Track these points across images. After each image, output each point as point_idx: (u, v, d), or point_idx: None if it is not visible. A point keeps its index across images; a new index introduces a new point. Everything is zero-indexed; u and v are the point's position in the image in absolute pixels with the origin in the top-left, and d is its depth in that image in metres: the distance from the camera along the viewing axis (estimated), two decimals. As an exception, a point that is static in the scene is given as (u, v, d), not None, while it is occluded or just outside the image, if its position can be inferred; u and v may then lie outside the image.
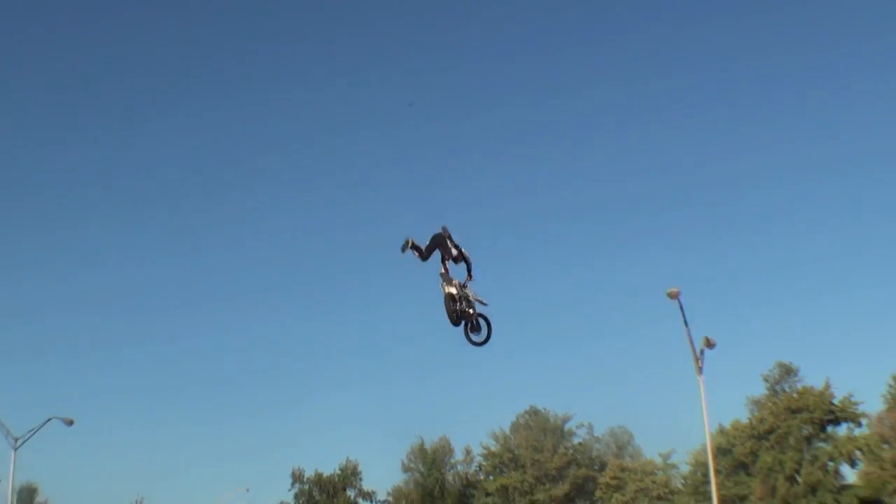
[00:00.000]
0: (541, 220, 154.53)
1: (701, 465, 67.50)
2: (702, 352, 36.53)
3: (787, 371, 76.25)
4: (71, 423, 49.84)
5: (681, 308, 36.64)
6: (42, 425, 48.41)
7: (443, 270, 15.40)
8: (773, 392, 75.56)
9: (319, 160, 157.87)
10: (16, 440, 47.97)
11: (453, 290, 15.31)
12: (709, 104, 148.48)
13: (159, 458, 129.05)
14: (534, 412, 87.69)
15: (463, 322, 15.55)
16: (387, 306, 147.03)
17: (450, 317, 15.27)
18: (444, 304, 15.31)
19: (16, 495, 59.41)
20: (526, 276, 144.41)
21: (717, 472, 55.97)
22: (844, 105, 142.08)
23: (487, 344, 16.20)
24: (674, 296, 36.18)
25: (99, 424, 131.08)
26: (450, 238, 15.03)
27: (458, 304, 15.41)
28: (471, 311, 15.38)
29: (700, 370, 36.71)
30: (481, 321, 15.68)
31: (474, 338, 15.69)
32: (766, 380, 77.37)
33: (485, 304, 15.72)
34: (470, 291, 15.46)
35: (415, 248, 15.22)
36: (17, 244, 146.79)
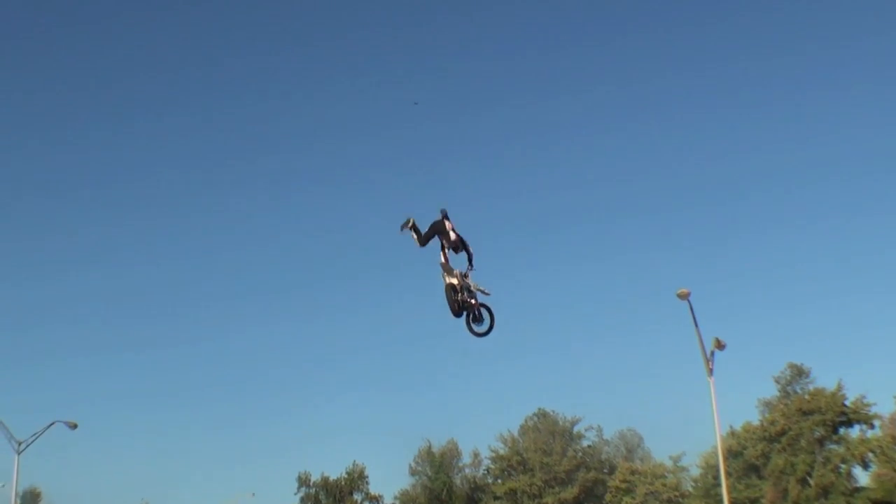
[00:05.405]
0: (548, 220, 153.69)
1: (712, 468, 66.80)
2: (712, 353, 37.21)
3: (799, 372, 75.78)
4: (75, 426, 50.31)
5: (691, 309, 37.53)
6: (45, 429, 48.74)
7: (442, 260, 15.37)
8: (785, 394, 75.11)
9: (320, 160, 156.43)
10: (19, 444, 48.14)
11: (454, 281, 15.24)
12: (716, 102, 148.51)
13: (164, 462, 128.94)
14: (542, 414, 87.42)
15: (465, 313, 15.54)
16: (391, 308, 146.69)
17: (451, 307, 15.22)
18: (445, 294, 15.22)
19: (19, 500, 58.91)
20: (534, 276, 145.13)
21: (728, 474, 55.81)
22: (860, 102, 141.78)
23: (490, 334, 16.14)
24: (683, 296, 36.94)
25: (103, 428, 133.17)
26: (451, 227, 14.95)
27: (459, 294, 15.32)
28: (472, 301, 15.40)
29: (710, 372, 37.49)
30: (483, 311, 15.75)
31: (476, 328, 15.77)
32: (777, 381, 77.05)
33: (487, 294, 15.61)
34: (471, 281, 15.45)
35: (414, 230, 15.22)
36: (18, 247, 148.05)
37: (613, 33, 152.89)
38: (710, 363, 37.53)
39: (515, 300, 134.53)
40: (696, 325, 37.94)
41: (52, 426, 49.42)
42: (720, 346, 37.58)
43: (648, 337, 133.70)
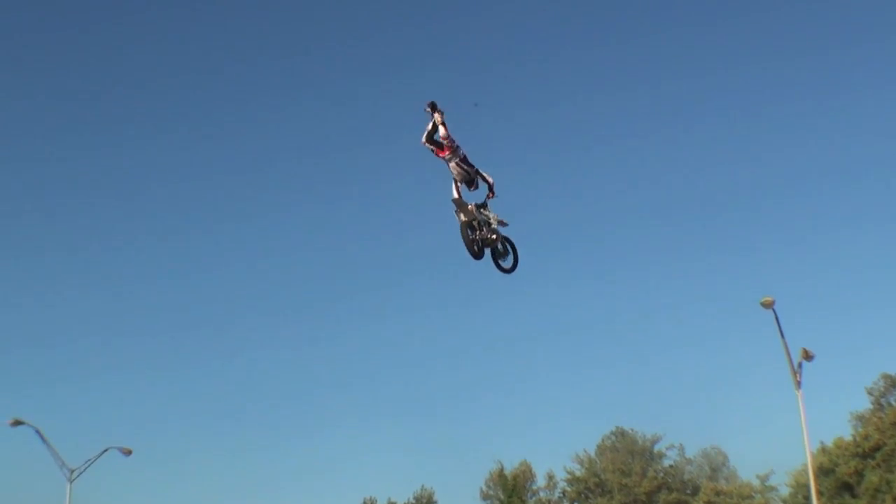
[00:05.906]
0: (623, 224, 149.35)
1: (802, 487, 65.82)
2: (800, 364, 36.58)
3: (894, 383, 74.15)
4: (129, 453, 50.93)
5: (776, 318, 36.71)
6: (99, 456, 49.26)
7: (455, 196, 14.51)
8: (879, 406, 73.30)
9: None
10: (71, 472, 48.48)
11: (470, 218, 14.54)
12: (797, 94, 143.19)
13: (223, 487, 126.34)
14: (620, 433, 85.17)
15: (487, 250, 14.82)
16: (458, 319, 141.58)
17: (469, 249, 14.39)
18: (460, 235, 14.35)
19: (72, 529, 63.46)
20: (609, 286, 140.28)
21: (820, 493, 54.75)
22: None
23: (517, 270, 15.58)
24: (768, 305, 36.24)
25: (159, 454, 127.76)
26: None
27: (477, 231, 14.59)
28: (493, 236, 14.65)
29: (798, 384, 36.80)
30: (507, 245, 15.15)
31: (503, 265, 15.17)
32: (870, 393, 75.15)
33: (505, 225, 14.96)
34: (489, 213, 14.74)
35: (433, 125, 13.70)
36: (65, 259, 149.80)
37: (693, 24, 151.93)
38: (798, 375, 36.74)
39: (590, 311, 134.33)
40: (782, 336, 37.15)
41: (106, 452, 49.82)
42: (808, 356, 36.86)
43: (731, 348, 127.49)
